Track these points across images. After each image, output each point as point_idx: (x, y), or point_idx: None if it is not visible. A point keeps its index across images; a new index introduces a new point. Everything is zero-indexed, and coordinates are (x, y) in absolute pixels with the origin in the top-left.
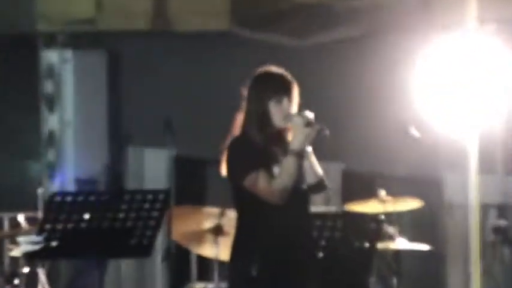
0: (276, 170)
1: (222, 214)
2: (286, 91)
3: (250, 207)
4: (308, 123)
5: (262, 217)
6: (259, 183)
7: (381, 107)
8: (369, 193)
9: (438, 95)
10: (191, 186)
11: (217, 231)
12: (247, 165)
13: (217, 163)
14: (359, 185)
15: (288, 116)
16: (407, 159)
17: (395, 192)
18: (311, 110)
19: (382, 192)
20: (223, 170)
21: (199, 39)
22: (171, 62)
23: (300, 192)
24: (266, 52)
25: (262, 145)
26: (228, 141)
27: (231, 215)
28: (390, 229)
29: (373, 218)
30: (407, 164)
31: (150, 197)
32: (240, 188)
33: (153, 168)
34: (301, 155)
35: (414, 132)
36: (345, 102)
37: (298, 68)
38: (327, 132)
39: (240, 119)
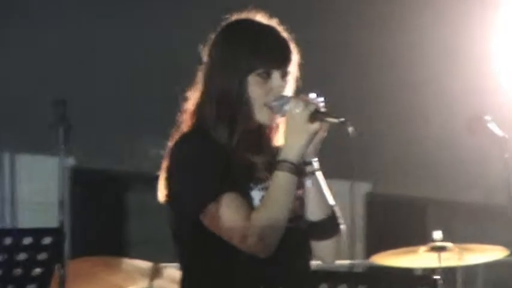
0: (256, 194)
1: (155, 272)
2: (278, 59)
3: (209, 261)
4: (314, 114)
5: (230, 278)
6: (227, 218)
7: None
8: (414, 234)
9: None
10: (102, 220)
11: None
12: (205, 185)
13: (149, 181)
14: (396, 221)
15: (279, 101)
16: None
17: (459, 233)
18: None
19: (438, 234)
20: (161, 193)
21: None
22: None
23: (296, 236)
24: None
25: (232, 150)
26: (171, 143)
27: (172, 273)
28: None
29: (423, 279)
30: (477, 187)
31: (25, 242)
32: (192, 225)
33: (32, 188)
34: (299, 170)
35: (493, 128)
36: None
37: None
38: (351, 129)
39: (192, 103)
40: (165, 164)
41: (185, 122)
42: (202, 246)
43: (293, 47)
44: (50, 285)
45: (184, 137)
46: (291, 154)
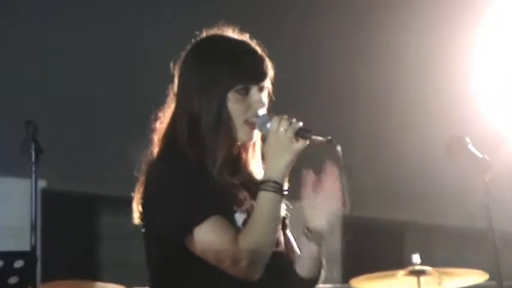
0: (238, 216)
1: None
2: (257, 74)
3: (187, 285)
4: (299, 133)
5: None
6: (215, 242)
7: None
8: (392, 258)
9: None
10: (74, 244)
11: None
12: (188, 209)
13: (121, 204)
14: (373, 244)
15: (261, 118)
16: (458, 203)
17: (439, 257)
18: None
19: (417, 258)
20: (136, 214)
21: None
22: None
23: (280, 260)
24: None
25: (211, 172)
26: (144, 164)
27: None
28: None
29: None
30: (457, 211)
31: None
32: (172, 250)
33: (2, 211)
34: (281, 191)
35: (473, 150)
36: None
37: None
38: (339, 148)
39: (164, 122)
40: (139, 186)
41: (157, 142)
42: (182, 269)
43: (267, 62)
44: None
45: (160, 159)
46: (275, 173)
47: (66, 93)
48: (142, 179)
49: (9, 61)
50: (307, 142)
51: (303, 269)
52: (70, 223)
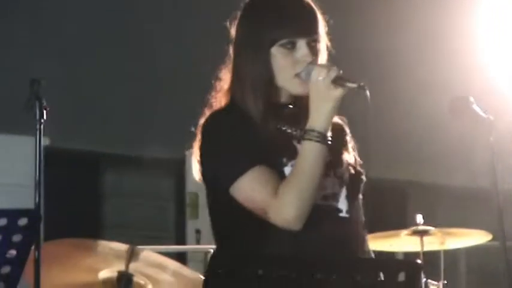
0: (288, 169)
1: (131, 254)
2: (301, 27)
3: (242, 233)
4: (335, 80)
5: (263, 251)
6: (256, 191)
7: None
8: (396, 218)
9: None
10: (77, 202)
11: (124, 284)
12: (235, 159)
13: (125, 162)
14: (377, 204)
15: (303, 69)
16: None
17: (442, 217)
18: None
19: (419, 218)
20: (195, 171)
21: None
22: None
23: (330, 217)
24: None
25: (262, 123)
26: (203, 119)
27: (148, 256)
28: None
29: (404, 264)
30: (461, 171)
31: (0, 223)
32: (224, 199)
33: (5, 171)
34: (326, 140)
35: (477, 110)
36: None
37: None
38: (368, 93)
39: (224, 82)
40: (196, 142)
41: (218, 101)
42: (235, 219)
43: (319, 15)
44: (25, 267)
45: (215, 114)
46: (318, 122)
47: (71, 51)
48: (198, 133)
49: (15, 20)
50: (345, 89)
51: None
52: (73, 181)
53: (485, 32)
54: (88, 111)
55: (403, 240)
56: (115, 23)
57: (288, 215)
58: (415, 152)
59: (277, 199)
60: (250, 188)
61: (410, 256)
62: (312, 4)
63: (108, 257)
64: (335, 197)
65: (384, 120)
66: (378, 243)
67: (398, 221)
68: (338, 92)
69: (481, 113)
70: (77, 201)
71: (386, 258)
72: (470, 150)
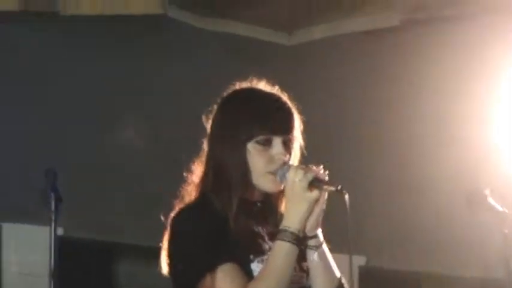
0: (255, 266)
1: None
2: (279, 125)
3: None
4: (312, 183)
5: None
6: (224, 287)
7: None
8: None
9: None
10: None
11: None
12: (202, 256)
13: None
14: None
15: (281, 169)
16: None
17: None
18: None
19: None
20: (163, 264)
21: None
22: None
23: None
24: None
25: (234, 221)
26: (173, 213)
27: None
28: None
29: None
30: (475, 262)
31: None
32: None
33: (19, 261)
34: (300, 241)
35: (493, 203)
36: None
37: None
38: (347, 197)
39: (196, 175)
40: (166, 235)
41: (188, 194)
42: None
43: (296, 114)
44: None
45: (185, 208)
46: (292, 223)
47: (84, 142)
48: (168, 226)
49: (30, 111)
50: (322, 191)
51: (317, 287)
52: (87, 271)
53: (502, 124)
54: (102, 201)
55: None
56: (131, 111)
57: None
58: (429, 243)
59: None
60: (217, 286)
61: None
62: (289, 102)
63: None
64: None
65: (398, 210)
66: None
67: None
68: (314, 194)
69: (497, 206)
70: None
71: None
72: (485, 242)
